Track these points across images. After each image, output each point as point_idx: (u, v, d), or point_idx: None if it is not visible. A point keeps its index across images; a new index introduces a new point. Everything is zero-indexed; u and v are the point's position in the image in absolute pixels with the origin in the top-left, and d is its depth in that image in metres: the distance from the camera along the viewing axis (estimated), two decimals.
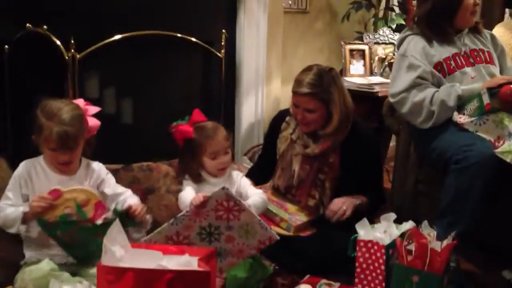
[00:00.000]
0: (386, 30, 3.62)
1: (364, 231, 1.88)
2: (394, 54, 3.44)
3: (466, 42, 2.39)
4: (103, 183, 1.95)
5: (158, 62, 2.68)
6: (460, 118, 2.20)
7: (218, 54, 2.84)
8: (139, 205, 1.86)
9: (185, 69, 2.83)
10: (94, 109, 1.92)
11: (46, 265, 1.71)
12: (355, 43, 3.54)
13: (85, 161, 1.93)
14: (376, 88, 3.13)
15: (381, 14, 3.77)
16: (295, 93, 2.19)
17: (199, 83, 2.94)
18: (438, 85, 2.30)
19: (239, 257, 1.85)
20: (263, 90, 3.11)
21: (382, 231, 1.87)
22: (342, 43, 3.48)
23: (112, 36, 2.40)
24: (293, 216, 2.19)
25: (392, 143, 3.33)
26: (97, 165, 1.96)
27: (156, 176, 2.35)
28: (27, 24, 2.21)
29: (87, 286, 1.67)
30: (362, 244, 1.87)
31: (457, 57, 2.34)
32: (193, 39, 2.71)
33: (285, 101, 2.88)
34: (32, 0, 2.23)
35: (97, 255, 1.69)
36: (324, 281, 1.91)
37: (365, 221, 1.90)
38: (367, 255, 1.86)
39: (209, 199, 1.76)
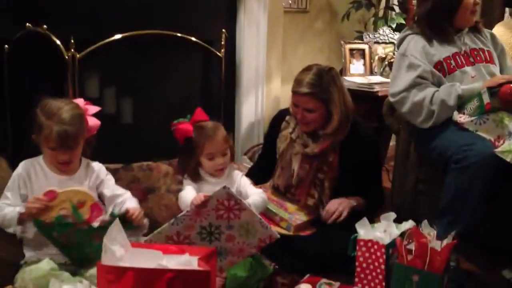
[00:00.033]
0: (386, 30, 3.62)
1: (364, 230, 1.88)
2: (394, 54, 3.44)
3: (466, 42, 2.39)
4: (102, 183, 1.95)
5: (158, 61, 2.68)
6: (460, 118, 2.20)
7: (218, 53, 2.84)
8: (136, 209, 1.86)
9: (185, 69, 2.83)
10: (94, 109, 1.92)
11: (46, 264, 1.71)
12: (355, 43, 3.54)
13: (85, 161, 1.93)
14: (376, 88, 3.14)
15: (381, 13, 3.77)
16: (294, 92, 2.19)
17: (199, 82, 2.94)
18: (438, 84, 2.30)
19: (239, 256, 1.85)
20: (263, 90, 3.11)
21: (382, 231, 1.87)
22: (342, 42, 3.47)
23: (112, 35, 2.40)
24: (293, 216, 2.19)
25: (392, 143, 3.33)
26: (97, 166, 1.96)
27: (156, 176, 2.35)
28: (27, 24, 2.21)
29: (87, 285, 1.67)
30: (362, 243, 1.87)
31: (457, 57, 2.34)
32: (193, 39, 2.71)
33: (285, 100, 2.88)
34: (32, 0, 2.23)
35: (92, 257, 1.70)
36: (324, 280, 1.91)
37: (365, 220, 1.90)
38: (367, 254, 1.86)
39: (210, 198, 1.76)
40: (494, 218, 2.11)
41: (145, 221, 1.91)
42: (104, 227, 1.62)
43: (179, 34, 2.64)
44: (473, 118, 2.16)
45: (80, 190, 1.81)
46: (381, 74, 3.50)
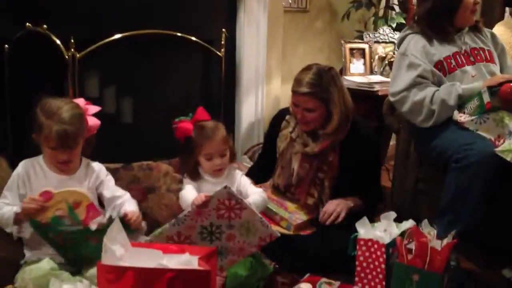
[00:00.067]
0: (386, 29, 3.62)
1: (364, 229, 1.88)
2: (394, 53, 3.44)
3: (467, 41, 2.38)
4: (102, 184, 1.94)
5: (158, 61, 2.68)
6: (461, 117, 2.20)
7: (218, 53, 2.84)
8: (134, 213, 1.86)
9: (185, 68, 2.83)
10: (94, 109, 1.91)
11: (46, 264, 1.71)
12: (355, 42, 3.54)
13: (85, 161, 1.93)
14: (376, 87, 3.14)
15: (381, 13, 3.77)
16: (294, 92, 2.19)
17: (199, 82, 2.94)
18: (438, 84, 2.30)
19: (239, 255, 1.85)
20: (263, 89, 3.11)
21: (382, 230, 1.87)
22: (342, 42, 3.47)
23: (112, 35, 2.40)
24: (293, 215, 2.19)
25: (392, 142, 3.33)
26: (97, 166, 1.96)
27: (156, 175, 2.35)
28: (27, 24, 2.21)
29: (87, 285, 1.67)
30: (362, 243, 1.87)
31: (457, 56, 2.34)
32: (193, 38, 2.71)
33: (285, 100, 2.88)
34: (32, 0, 2.23)
35: (89, 258, 1.71)
36: (324, 280, 1.91)
37: (365, 219, 1.90)
38: (367, 254, 1.86)
39: (211, 198, 1.76)
40: (494, 218, 2.11)
41: (143, 224, 1.91)
42: (102, 230, 1.62)
43: (179, 34, 2.64)
44: (473, 117, 2.16)
45: (76, 190, 1.80)
46: (381, 74, 3.50)
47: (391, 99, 2.41)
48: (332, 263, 1.99)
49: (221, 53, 2.84)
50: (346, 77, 3.30)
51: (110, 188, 1.96)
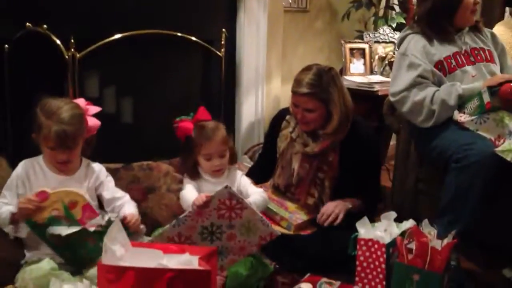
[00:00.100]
0: (387, 29, 3.62)
1: (365, 229, 1.88)
2: (394, 53, 3.44)
3: (467, 41, 2.38)
4: (101, 185, 1.94)
5: (158, 61, 2.68)
6: (461, 117, 2.20)
7: (218, 53, 2.84)
8: (134, 216, 1.86)
9: (185, 68, 2.83)
10: (95, 109, 1.91)
11: (46, 264, 1.71)
12: (355, 42, 3.54)
13: (85, 162, 1.93)
14: (376, 87, 3.13)
15: (381, 13, 3.77)
16: (294, 93, 2.19)
17: (199, 82, 2.94)
18: (438, 84, 2.30)
19: (240, 255, 1.85)
20: (263, 89, 3.11)
21: (383, 230, 1.87)
22: (342, 42, 3.47)
23: (112, 35, 2.40)
24: (294, 215, 2.19)
25: (393, 142, 3.33)
26: (97, 167, 1.96)
27: (157, 175, 2.35)
28: (27, 24, 2.21)
29: (87, 285, 1.67)
30: (362, 242, 1.87)
31: (457, 56, 2.34)
32: (193, 38, 2.70)
33: (285, 100, 2.87)
34: (32, 0, 2.23)
35: (87, 258, 1.71)
36: (324, 279, 1.91)
37: (365, 219, 1.90)
38: (367, 253, 1.86)
39: (212, 198, 1.76)
40: (494, 217, 2.11)
41: (142, 227, 1.91)
42: (101, 232, 1.62)
43: (179, 34, 2.64)
44: (473, 117, 2.16)
45: (72, 190, 1.80)
46: (381, 74, 3.50)
47: (391, 99, 2.41)
48: (333, 263, 1.99)
49: (221, 53, 2.84)
50: (346, 77, 3.30)
51: (110, 189, 1.96)
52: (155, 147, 2.48)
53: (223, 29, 2.83)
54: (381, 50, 3.55)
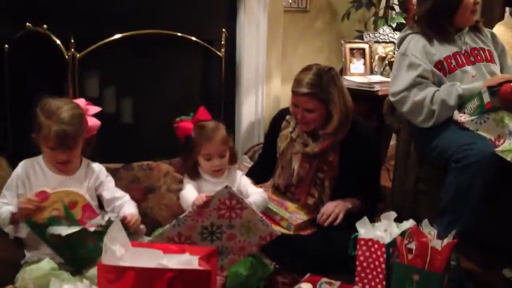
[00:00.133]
0: (387, 29, 3.62)
1: (365, 229, 1.88)
2: (394, 53, 3.44)
3: (467, 41, 2.38)
4: (101, 185, 1.94)
5: (158, 61, 2.68)
6: (461, 117, 2.20)
7: (218, 53, 2.84)
8: (133, 216, 1.86)
9: (185, 68, 2.83)
10: (95, 109, 1.91)
11: (46, 264, 1.71)
12: (355, 42, 3.54)
13: (85, 162, 1.93)
14: (376, 87, 3.13)
15: (381, 13, 3.77)
16: (294, 93, 2.19)
17: (199, 82, 2.94)
18: (438, 84, 2.30)
19: (240, 255, 1.85)
20: (263, 89, 3.11)
21: (383, 230, 1.87)
22: (342, 42, 3.47)
23: (112, 35, 2.40)
24: (294, 215, 2.19)
25: (393, 142, 3.33)
26: (97, 167, 1.96)
27: (157, 175, 2.35)
28: (27, 23, 2.21)
29: (87, 285, 1.67)
30: (362, 242, 1.87)
31: (457, 56, 2.34)
32: (193, 38, 2.71)
33: (285, 100, 2.87)
34: (32, 0, 2.23)
35: (87, 258, 1.71)
36: (324, 279, 1.91)
37: (365, 219, 1.90)
38: (367, 253, 1.86)
39: (212, 198, 1.76)
40: (494, 217, 2.11)
41: (142, 227, 1.91)
42: (101, 232, 1.62)
43: (179, 34, 2.64)
44: (473, 117, 2.16)
45: (72, 190, 1.80)
46: (381, 74, 3.49)
47: (391, 99, 2.41)
48: (333, 263, 1.99)
49: (221, 53, 2.84)
50: (346, 77, 3.30)
51: (110, 189, 1.96)
52: (155, 147, 2.48)
53: (223, 29, 2.83)
54: (381, 50, 3.55)
